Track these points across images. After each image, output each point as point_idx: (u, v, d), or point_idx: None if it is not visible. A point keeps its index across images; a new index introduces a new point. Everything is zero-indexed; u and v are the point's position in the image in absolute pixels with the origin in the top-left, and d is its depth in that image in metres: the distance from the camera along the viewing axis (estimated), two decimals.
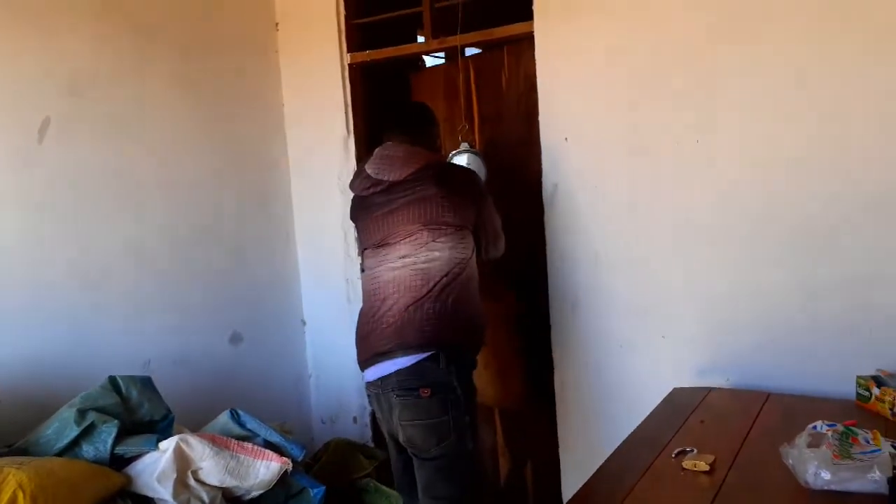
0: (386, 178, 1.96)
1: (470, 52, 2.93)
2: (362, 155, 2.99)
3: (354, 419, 3.11)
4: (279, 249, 3.09)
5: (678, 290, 2.27)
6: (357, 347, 2.03)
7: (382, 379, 1.91)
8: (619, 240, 2.37)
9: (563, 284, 2.52)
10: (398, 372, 1.87)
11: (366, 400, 3.02)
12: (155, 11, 2.63)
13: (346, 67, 2.96)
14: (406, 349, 1.87)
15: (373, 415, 2.98)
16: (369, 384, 1.98)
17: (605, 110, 2.34)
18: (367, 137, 3.00)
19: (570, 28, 2.37)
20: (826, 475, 1.40)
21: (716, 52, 2.12)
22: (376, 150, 2.07)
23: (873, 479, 1.38)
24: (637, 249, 2.34)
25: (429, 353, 1.86)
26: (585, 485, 1.54)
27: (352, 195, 2.17)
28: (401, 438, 1.94)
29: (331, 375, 3.15)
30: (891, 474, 1.37)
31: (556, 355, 2.58)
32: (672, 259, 2.27)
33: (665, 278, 2.29)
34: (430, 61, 3.24)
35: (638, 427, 1.85)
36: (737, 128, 2.12)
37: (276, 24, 3.11)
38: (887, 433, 1.65)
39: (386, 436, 2.08)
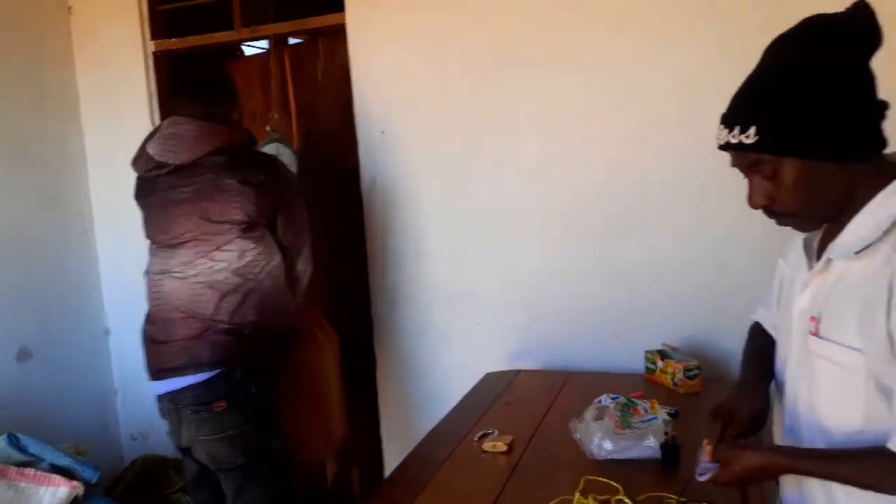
0: (170, 162, 1.73)
1: (293, 42, 2.84)
2: None
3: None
4: (75, 252, 2.81)
5: (491, 279, 2.35)
6: (146, 353, 1.85)
7: (172, 394, 1.77)
8: (437, 232, 2.41)
9: (384, 278, 2.52)
10: (192, 387, 1.74)
11: None
12: None
13: (150, 56, 2.76)
14: (198, 366, 1.73)
15: None
16: (160, 397, 1.84)
17: (418, 103, 2.36)
18: None
19: (382, 20, 2.37)
20: (608, 445, 1.50)
21: (525, 50, 2.21)
22: (162, 123, 1.82)
23: (649, 446, 1.50)
24: (454, 241, 2.39)
25: (224, 370, 1.74)
26: (390, 477, 1.54)
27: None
28: (199, 455, 1.81)
29: (141, 388, 2.86)
30: (663, 440, 1.49)
31: (378, 349, 2.58)
32: (485, 250, 2.35)
33: (479, 268, 2.37)
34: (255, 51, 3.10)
35: (447, 414, 1.88)
36: (543, 123, 2.22)
37: (70, 8, 2.83)
38: (669, 402, 1.81)
39: (178, 450, 1.93)
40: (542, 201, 2.26)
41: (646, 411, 1.62)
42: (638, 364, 2.10)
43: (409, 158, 2.41)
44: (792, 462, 1.00)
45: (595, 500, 1.26)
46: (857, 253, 0.94)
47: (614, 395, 1.65)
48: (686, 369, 1.94)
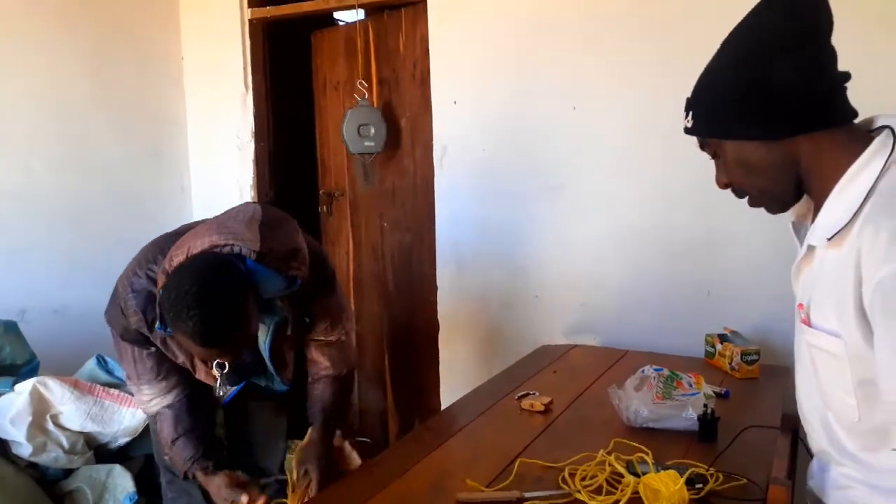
0: None
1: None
2: (261, 112, 2.97)
3: None
4: (173, 203, 3.03)
5: (552, 252, 2.37)
6: None
7: None
8: (501, 202, 2.44)
9: (450, 245, 2.58)
10: None
11: None
12: None
13: (247, 23, 2.92)
14: None
15: None
16: None
17: (491, 75, 2.40)
18: (268, 95, 2.99)
19: None
20: (645, 413, 1.50)
21: (594, 20, 2.20)
22: None
23: (687, 417, 1.49)
24: (516, 212, 2.42)
25: None
26: (428, 421, 1.60)
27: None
28: None
29: None
30: (702, 412, 1.47)
31: (441, 314, 2.64)
32: (548, 223, 2.36)
33: (540, 241, 2.38)
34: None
35: (494, 377, 1.92)
36: (617, 95, 2.20)
37: None
38: (724, 385, 1.77)
39: None
40: (610, 178, 2.24)
41: (690, 385, 1.59)
42: (701, 350, 2.05)
43: (478, 129, 2.45)
44: None
45: (618, 457, 1.27)
46: (829, 239, 0.91)
47: (657, 367, 1.63)
48: (744, 353, 1.88)
